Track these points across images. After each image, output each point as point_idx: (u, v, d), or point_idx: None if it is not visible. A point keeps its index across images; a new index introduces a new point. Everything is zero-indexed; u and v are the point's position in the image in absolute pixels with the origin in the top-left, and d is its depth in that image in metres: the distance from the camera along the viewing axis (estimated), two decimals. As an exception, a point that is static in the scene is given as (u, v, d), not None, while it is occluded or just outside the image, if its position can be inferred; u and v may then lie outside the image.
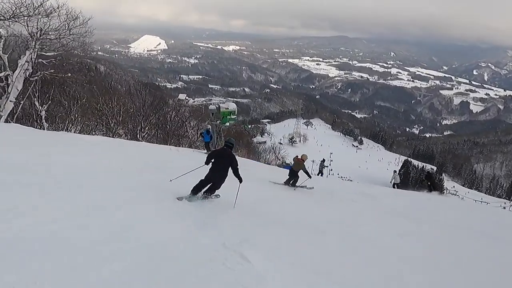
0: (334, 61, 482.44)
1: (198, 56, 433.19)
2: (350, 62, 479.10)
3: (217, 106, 25.99)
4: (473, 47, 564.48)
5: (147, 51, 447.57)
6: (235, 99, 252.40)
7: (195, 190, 7.73)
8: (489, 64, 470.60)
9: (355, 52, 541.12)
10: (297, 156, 14.62)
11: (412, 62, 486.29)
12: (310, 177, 13.89)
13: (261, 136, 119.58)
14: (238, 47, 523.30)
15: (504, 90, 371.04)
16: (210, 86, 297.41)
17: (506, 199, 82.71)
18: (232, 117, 24.40)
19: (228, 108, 24.67)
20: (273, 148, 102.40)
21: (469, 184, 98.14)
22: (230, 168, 7.80)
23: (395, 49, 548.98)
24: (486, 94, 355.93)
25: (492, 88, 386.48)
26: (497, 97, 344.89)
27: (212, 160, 7.87)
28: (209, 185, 7.80)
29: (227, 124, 25.35)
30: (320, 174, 27.24)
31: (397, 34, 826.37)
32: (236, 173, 7.88)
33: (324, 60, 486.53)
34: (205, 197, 7.94)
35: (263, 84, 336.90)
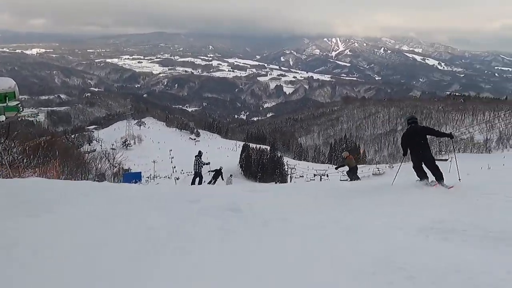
0: (156, 58, 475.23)
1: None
2: (173, 58, 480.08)
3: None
4: (278, 36, 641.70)
5: None
6: (50, 108, 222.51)
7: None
8: (292, 51, 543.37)
9: (175, 47, 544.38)
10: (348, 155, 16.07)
11: (229, 54, 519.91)
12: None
13: (89, 145, 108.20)
14: (43, 50, 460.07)
15: (306, 72, 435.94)
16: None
17: (329, 163, 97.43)
18: (12, 104, 10.38)
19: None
20: (105, 155, 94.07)
21: (298, 156, 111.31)
22: None
23: (213, 43, 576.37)
24: (294, 77, 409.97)
25: (297, 71, 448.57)
26: (302, 78, 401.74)
27: None
28: None
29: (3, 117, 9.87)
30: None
31: (214, 28, 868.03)
32: None
33: (146, 58, 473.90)
34: None
35: (82, 88, 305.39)
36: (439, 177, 7.50)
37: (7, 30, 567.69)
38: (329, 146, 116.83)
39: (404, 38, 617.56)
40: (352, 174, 15.09)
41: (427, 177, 7.80)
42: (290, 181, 69.55)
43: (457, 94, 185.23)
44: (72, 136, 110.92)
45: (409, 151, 8.09)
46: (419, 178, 7.95)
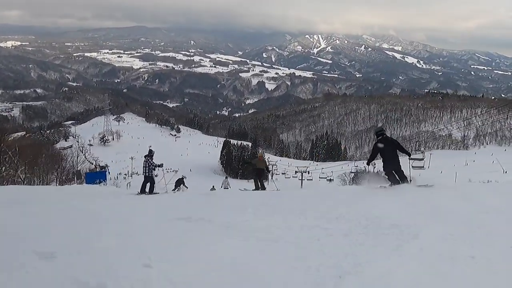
0: (136, 53, 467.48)
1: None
2: (153, 53, 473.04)
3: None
4: (260, 33, 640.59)
5: None
6: (25, 103, 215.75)
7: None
8: (274, 47, 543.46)
9: (156, 42, 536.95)
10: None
11: (211, 49, 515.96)
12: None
13: (66, 141, 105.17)
14: (19, 43, 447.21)
15: (289, 69, 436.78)
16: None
17: (310, 159, 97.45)
18: None
19: None
20: (81, 151, 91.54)
21: (279, 152, 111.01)
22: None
23: (194, 38, 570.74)
24: (276, 73, 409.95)
25: (280, 67, 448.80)
26: (284, 75, 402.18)
27: None
28: None
29: None
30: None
31: (195, 23, 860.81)
32: None
33: (126, 52, 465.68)
34: None
35: (59, 83, 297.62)
36: (405, 181, 8.37)
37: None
38: (311, 143, 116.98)
39: (384, 36, 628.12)
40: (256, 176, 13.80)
41: (398, 182, 8.33)
42: (272, 178, 69.18)
43: (435, 92, 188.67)
44: (47, 131, 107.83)
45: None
46: (391, 183, 8.47)
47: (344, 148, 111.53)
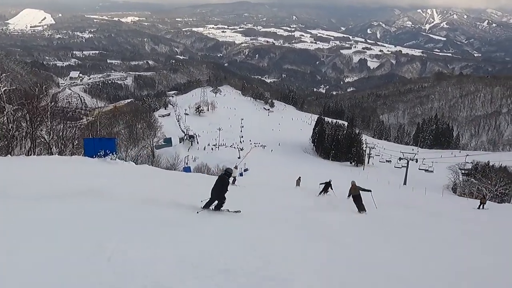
0: (239, 28, 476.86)
1: (92, 30, 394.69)
2: (255, 28, 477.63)
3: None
4: (366, 7, 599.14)
5: (31, 27, 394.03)
6: (138, 73, 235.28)
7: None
8: (381, 23, 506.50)
9: (258, 17, 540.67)
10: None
11: (313, 25, 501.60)
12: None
13: (165, 109, 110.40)
14: (137, 18, 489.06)
15: (395, 46, 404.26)
16: (109, 61, 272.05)
17: (414, 145, 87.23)
18: None
19: None
20: (177, 119, 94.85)
21: (378, 135, 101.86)
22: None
23: (296, 13, 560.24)
24: (380, 51, 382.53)
25: (385, 45, 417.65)
26: (389, 52, 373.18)
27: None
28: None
29: None
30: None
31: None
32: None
33: (229, 27, 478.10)
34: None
35: (168, 56, 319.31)
36: None
37: (106, 0, 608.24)
38: (416, 126, 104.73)
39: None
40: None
41: None
42: (368, 163, 62.52)
43: None
44: (150, 100, 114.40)
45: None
46: None
47: (457, 135, 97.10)
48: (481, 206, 18.48)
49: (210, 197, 9.01)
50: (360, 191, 13.47)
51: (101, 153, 14.14)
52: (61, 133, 19.12)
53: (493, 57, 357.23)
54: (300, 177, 22.86)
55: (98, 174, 11.42)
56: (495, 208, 19.47)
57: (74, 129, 21.84)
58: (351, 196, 13.97)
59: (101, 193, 8.53)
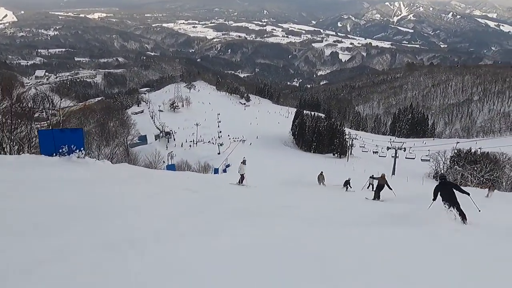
0: (211, 23, 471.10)
1: (58, 27, 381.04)
2: (227, 23, 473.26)
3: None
4: (335, 1, 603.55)
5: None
6: (107, 70, 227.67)
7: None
8: (350, 16, 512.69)
9: (229, 12, 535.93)
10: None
11: (284, 19, 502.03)
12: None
13: (138, 106, 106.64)
14: (104, 15, 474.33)
15: (365, 39, 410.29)
16: (76, 59, 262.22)
17: (391, 135, 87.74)
18: None
19: None
20: (151, 116, 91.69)
21: (355, 126, 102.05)
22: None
23: (267, 7, 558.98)
24: (351, 43, 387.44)
25: (355, 37, 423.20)
26: (360, 45, 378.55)
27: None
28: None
29: None
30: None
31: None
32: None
33: (200, 23, 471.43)
34: None
35: (139, 52, 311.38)
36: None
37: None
38: (392, 116, 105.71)
39: (476, 1, 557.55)
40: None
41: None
42: (350, 154, 61.89)
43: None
44: (121, 97, 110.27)
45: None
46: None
47: (432, 124, 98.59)
48: (489, 194, 17.72)
49: (448, 203, 8.38)
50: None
51: (63, 149, 10.18)
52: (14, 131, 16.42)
53: (458, 47, 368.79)
54: (322, 172, 21.02)
55: (61, 180, 7.51)
56: (502, 196, 18.78)
57: (30, 125, 17.94)
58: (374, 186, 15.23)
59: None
